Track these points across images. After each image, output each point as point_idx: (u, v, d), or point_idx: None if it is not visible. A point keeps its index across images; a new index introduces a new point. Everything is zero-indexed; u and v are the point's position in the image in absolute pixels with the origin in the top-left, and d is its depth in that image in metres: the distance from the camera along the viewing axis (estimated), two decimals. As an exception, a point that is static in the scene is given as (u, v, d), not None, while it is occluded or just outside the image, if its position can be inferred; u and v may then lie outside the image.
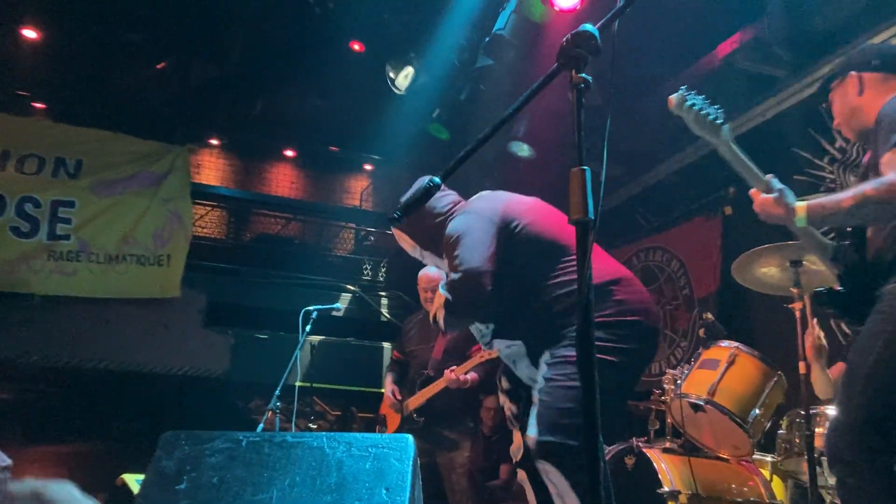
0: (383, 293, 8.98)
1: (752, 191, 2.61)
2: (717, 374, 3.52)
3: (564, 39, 1.72)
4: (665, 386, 3.91)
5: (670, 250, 6.94)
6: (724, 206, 6.33)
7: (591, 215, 1.62)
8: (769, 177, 2.56)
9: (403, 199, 1.59)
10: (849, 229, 2.70)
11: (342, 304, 7.84)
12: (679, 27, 5.61)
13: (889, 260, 2.47)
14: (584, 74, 1.69)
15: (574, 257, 2.55)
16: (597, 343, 2.54)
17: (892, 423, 2.22)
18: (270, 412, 5.16)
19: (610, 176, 6.82)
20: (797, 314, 3.24)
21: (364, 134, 8.65)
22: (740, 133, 5.84)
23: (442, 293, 2.76)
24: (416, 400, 4.77)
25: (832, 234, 2.91)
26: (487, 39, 6.45)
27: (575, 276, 2.56)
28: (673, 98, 2.57)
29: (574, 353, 2.63)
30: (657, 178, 6.94)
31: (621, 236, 7.57)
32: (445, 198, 3.05)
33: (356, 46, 7.16)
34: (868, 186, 2.35)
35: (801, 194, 5.60)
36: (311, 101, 8.36)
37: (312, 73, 7.65)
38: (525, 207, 2.92)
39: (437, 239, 2.91)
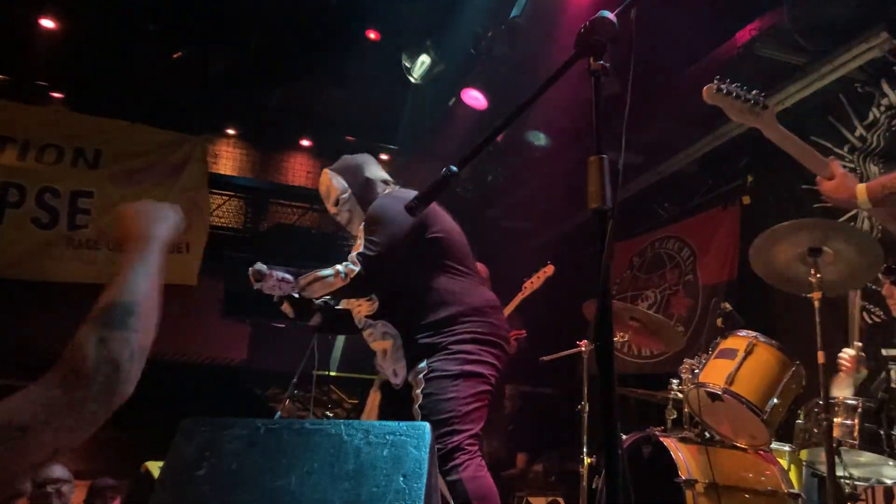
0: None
1: (818, 178, 2.62)
2: (735, 363, 3.50)
3: (582, 27, 1.72)
4: (682, 375, 3.90)
5: (684, 239, 6.91)
6: (743, 195, 6.29)
7: (610, 203, 1.61)
8: (830, 159, 2.58)
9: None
10: None
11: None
12: (698, 14, 5.57)
13: None
14: (602, 62, 1.69)
15: (469, 272, 3.15)
16: (466, 356, 2.92)
17: None
18: (288, 400, 5.19)
19: (628, 165, 6.86)
20: (816, 304, 3.20)
21: (380, 124, 8.64)
22: (759, 121, 5.80)
23: (349, 266, 3.03)
24: None
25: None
26: (503, 27, 6.44)
27: (459, 293, 3.05)
28: (707, 88, 2.53)
29: (453, 368, 2.90)
30: (676, 168, 6.89)
31: (639, 225, 7.54)
32: (383, 175, 3.41)
33: (372, 35, 7.15)
34: None
35: (821, 183, 5.59)
36: (328, 90, 8.35)
37: (328, 63, 7.65)
38: (441, 215, 3.25)
39: (361, 203, 3.26)
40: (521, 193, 8.28)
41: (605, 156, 1.65)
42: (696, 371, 3.73)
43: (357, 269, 3.01)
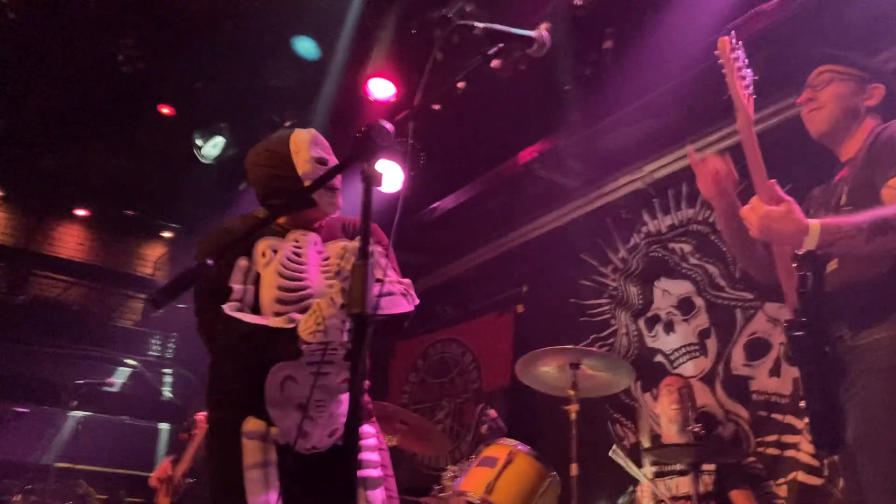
0: (167, 370, 8.46)
1: (754, 199, 2.14)
2: (495, 472, 3.54)
3: (358, 131, 1.72)
4: (444, 483, 3.90)
5: (464, 343, 7.09)
6: (518, 303, 6.58)
7: (369, 310, 1.59)
8: (772, 182, 2.13)
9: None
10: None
11: (120, 378, 7.31)
12: (487, 131, 5.90)
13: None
14: (374, 168, 1.69)
15: None
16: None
17: None
18: (20, 495, 4.64)
19: (415, 264, 6.99)
20: (573, 416, 3.35)
21: (166, 200, 8.30)
22: (536, 235, 6.17)
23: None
24: (182, 466, 4.49)
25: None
26: (301, 119, 6.46)
27: None
28: (723, 40, 2.23)
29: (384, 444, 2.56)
30: (458, 271, 7.12)
31: (420, 325, 7.64)
32: None
33: (166, 110, 6.93)
34: (890, 211, 2.05)
35: (587, 298, 5.99)
36: (113, 160, 7.93)
37: (117, 133, 7.29)
38: None
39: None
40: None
41: (370, 261, 1.63)
42: (458, 478, 3.75)
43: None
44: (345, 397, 2.45)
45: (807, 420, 4.20)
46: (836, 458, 2.24)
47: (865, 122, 2.41)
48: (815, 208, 2.47)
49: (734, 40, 2.23)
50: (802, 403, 4.18)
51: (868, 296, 2.18)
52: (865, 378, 2.10)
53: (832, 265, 2.25)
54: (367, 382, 2.23)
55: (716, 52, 2.26)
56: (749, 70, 2.23)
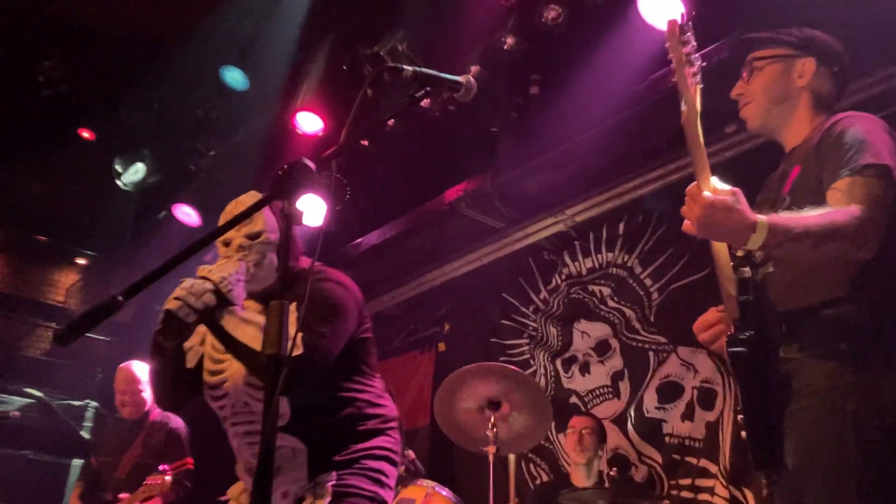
0: (76, 402, 8.12)
1: (692, 186, 1.90)
2: (411, 515, 3.53)
3: (280, 169, 1.72)
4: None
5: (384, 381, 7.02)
6: (439, 342, 6.58)
7: (285, 352, 1.57)
8: (714, 179, 1.93)
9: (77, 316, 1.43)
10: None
11: (23, 411, 6.98)
12: (414, 168, 5.95)
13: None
14: (293, 206, 1.69)
15: (378, 378, 2.73)
16: (382, 477, 2.52)
17: None
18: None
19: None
20: (490, 458, 3.35)
21: (81, 225, 8.04)
22: (460, 274, 6.21)
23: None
24: None
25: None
26: (226, 149, 6.41)
27: (381, 399, 2.66)
28: (672, 21, 2.04)
29: (368, 489, 2.48)
30: (380, 308, 7.08)
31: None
32: (306, 249, 2.78)
33: (86, 134, 6.76)
34: (839, 216, 1.87)
35: (507, 338, 6.03)
36: (25, 183, 7.66)
37: (33, 156, 7.06)
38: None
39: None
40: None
41: (286, 301, 1.61)
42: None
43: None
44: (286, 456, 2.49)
45: (722, 464, 4.33)
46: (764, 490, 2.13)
47: (802, 103, 2.28)
48: (756, 204, 2.27)
49: (685, 23, 2.05)
50: (720, 443, 4.32)
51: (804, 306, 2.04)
52: (805, 399, 1.97)
53: (767, 268, 2.11)
54: None
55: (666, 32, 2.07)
56: (698, 56, 2.05)
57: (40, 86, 6.19)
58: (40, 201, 7.88)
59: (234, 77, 5.74)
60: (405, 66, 2.14)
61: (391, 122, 5.16)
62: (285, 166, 1.71)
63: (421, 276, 6.51)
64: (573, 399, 5.37)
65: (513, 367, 4.04)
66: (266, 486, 1.52)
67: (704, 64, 2.07)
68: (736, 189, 1.86)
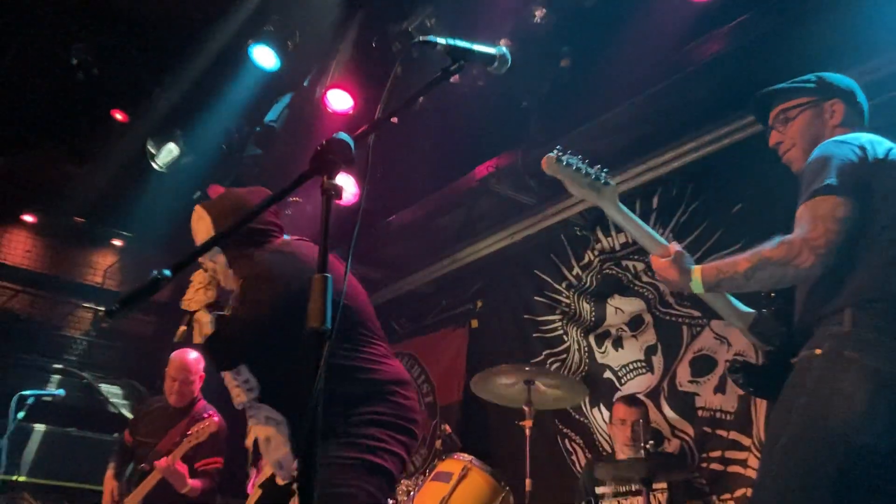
0: (116, 381, 8.28)
1: (652, 255, 2.45)
2: (449, 487, 3.55)
3: (319, 145, 1.72)
4: (398, 497, 3.89)
5: (416, 357, 7.07)
6: (472, 318, 6.60)
7: (329, 325, 1.58)
8: (672, 243, 2.43)
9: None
10: (772, 294, 2.48)
11: (67, 389, 7.12)
12: (445, 145, 5.92)
13: (806, 324, 2.26)
14: (333, 182, 1.69)
15: (377, 344, 2.72)
16: (368, 442, 2.50)
17: None
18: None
19: (370, 279, 6.96)
20: (527, 432, 3.37)
21: (117, 208, 8.13)
22: (492, 251, 6.20)
23: (208, 324, 2.46)
24: (133, 499, 4.36)
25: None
26: (258, 129, 6.43)
27: (375, 364, 2.62)
28: (547, 158, 2.43)
29: (351, 455, 2.48)
30: (413, 286, 7.11)
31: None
32: (268, 221, 2.65)
33: (119, 116, 6.81)
34: (766, 247, 2.19)
35: (540, 314, 6.02)
36: (63, 166, 7.76)
37: (68, 138, 7.15)
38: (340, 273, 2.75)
39: (238, 257, 2.51)
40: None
41: (328, 275, 1.63)
42: (412, 493, 3.74)
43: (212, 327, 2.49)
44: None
45: (756, 436, 4.31)
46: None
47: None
48: None
49: (558, 153, 2.43)
50: (752, 416, 4.31)
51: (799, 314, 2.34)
52: (791, 390, 2.17)
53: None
54: None
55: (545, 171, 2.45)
56: (587, 163, 2.46)
57: (73, 69, 6.25)
58: (76, 183, 7.99)
59: (264, 56, 5.73)
60: (437, 40, 2.12)
61: (421, 98, 5.13)
62: (324, 142, 1.72)
63: (453, 253, 6.52)
64: (607, 374, 5.37)
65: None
66: (311, 458, 1.55)
67: (598, 167, 2.47)
68: (677, 250, 2.37)
